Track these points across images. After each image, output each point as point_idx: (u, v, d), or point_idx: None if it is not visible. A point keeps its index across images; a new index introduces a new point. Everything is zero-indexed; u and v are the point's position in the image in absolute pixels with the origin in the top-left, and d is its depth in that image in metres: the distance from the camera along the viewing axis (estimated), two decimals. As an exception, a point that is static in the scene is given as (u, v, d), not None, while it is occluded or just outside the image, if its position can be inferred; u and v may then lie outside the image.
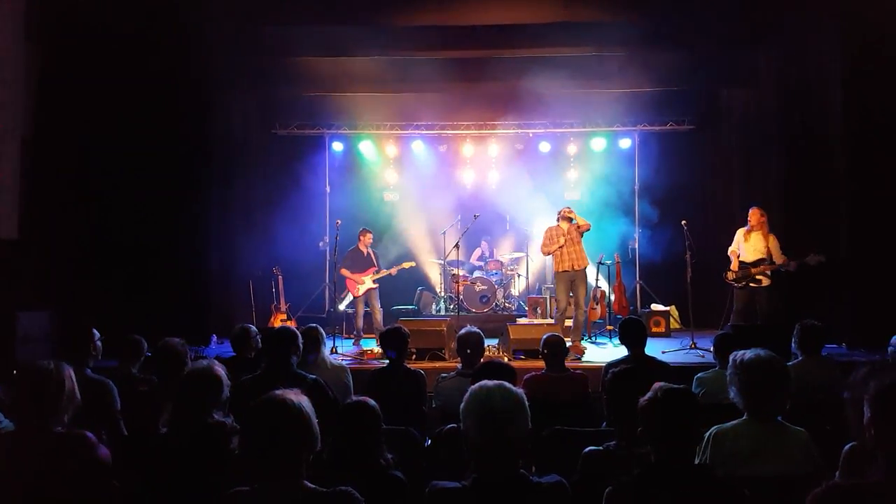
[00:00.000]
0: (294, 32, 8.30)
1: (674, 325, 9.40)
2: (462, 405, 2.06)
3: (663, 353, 7.47)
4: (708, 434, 2.84)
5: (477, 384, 2.07)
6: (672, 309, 9.54)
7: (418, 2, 8.05)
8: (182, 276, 8.03)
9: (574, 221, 7.61)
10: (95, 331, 4.09)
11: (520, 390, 2.06)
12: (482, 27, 8.02)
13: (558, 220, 7.70)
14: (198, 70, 8.06)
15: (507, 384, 2.05)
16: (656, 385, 2.25)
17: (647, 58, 8.75)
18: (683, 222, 8.01)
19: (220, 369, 2.74)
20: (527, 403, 2.03)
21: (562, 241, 7.57)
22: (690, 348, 7.53)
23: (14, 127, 7.13)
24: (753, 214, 7.59)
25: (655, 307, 9.48)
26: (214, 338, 8.31)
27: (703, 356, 7.02)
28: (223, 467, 2.39)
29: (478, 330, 4.47)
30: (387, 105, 10.43)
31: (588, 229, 7.73)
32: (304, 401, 2.01)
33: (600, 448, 2.89)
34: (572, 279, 7.54)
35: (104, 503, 2.52)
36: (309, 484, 1.99)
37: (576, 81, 9.31)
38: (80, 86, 7.43)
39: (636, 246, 10.60)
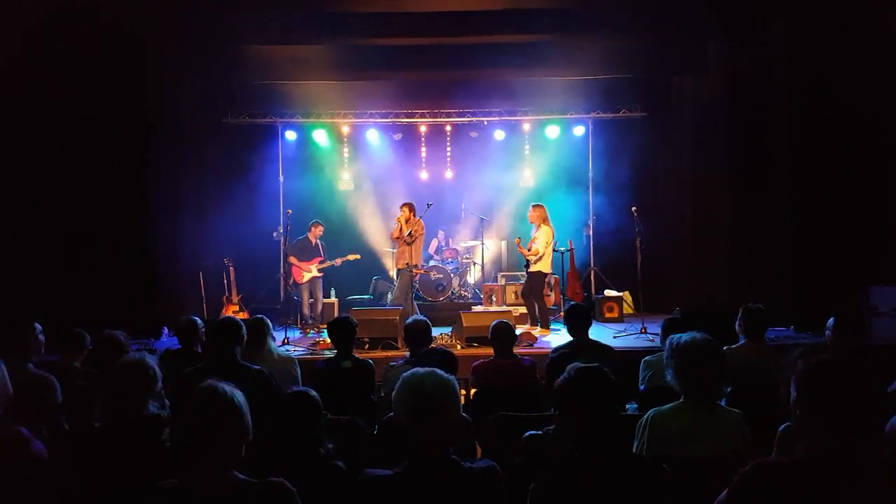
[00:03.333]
0: (243, 18, 8.13)
1: (628, 310, 9.56)
2: (394, 392, 2.06)
3: (615, 337, 7.64)
4: (646, 416, 2.91)
5: (409, 371, 2.07)
6: (626, 294, 9.68)
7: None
8: (130, 268, 7.85)
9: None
10: (37, 325, 3.98)
11: (451, 377, 2.07)
12: (432, 14, 8.00)
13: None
14: (142, 55, 7.85)
15: (438, 371, 2.06)
16: (572, 365, 2.26)
17: (598, 45, 8.80)
18: (633, 209, 8.16)
19: (152, 361, 2.69)
20: (458, 389, 2.05)
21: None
22: (641, 333, 7.68)
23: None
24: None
25: (609, 293, 9.62)
26: (166, 330, 8.16)
27: (652, 340, 7.17)
28: (157, 460, 2.35)
29: (424, 318, 4.48)
30: (340, 93, 10.31)
31: (407, 240, 8.57)
32: (236, 392, 1.98)
33: (540, 432, 2.93)
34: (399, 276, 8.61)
35: (39, 499, 2.47)
36: (239, 475, 1.96)
37: (528, 69, 9.36)
38: (16, 69, 7.15)
39: (590, 233, 10.73)
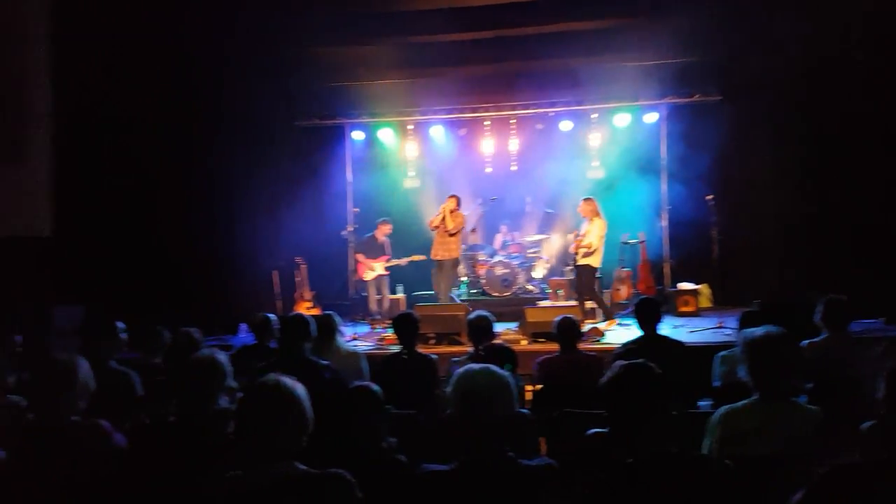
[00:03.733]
0: (307, 22, 8.31)
1: (705, 304, 9.23)
2: (448, 388, 2.06)
3: (690, 332, 7.40)
4: (717, 414, 2.81)
5: (462, 367, 2.07)
6: (703, 287, 9.36)
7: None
8: (210, 268, 8.22)
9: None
10: (120, 323, 4.20)
11: (505, 373, 2.06)
12: (493, 6, 7.94)
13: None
14: (218, 63, 8.17)
15: (491, 367, 2.05)
16: (616, 363, 2.20)
17: (669, 27, 8.50)
18: (709, 197, 7.85)
19: (222, 357, 2.79)
20: (513, 385, 2.03)
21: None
22: (717, 327, 7.41)
23: (44, 128, 7.34)
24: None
25: (683, 286, 9.31)
26: (243, 327, 8.46)
27: (729, 335, 6.90)
28: (225, 452, 2.44)
29: (487, 314, 4.47)
30: (405, 91, 10.39)
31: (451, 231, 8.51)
32: (297, 385, 2.04)
33: (604, 430, 2.87)
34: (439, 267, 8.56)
35: (118, 489, 2.60)
36: (301, 466, 2.02)
37: (596, 56, 9.16)
38: (104, 85, 7.59)
39: (664, 223, 10.41)
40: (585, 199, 8.13)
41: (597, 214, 7.95)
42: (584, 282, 7.97)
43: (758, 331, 2.73)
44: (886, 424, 2.33)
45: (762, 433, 2.63)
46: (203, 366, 2.72)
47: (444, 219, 8.53)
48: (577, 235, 8.15)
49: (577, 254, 7.99)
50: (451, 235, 8.48)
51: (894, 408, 1.78)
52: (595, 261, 7.90)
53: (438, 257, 8.59)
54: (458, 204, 8.69)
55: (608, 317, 7.92)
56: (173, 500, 2.40)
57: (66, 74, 7.51)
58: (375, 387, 2.78)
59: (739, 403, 2.73)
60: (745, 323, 4.50)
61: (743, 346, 2.75)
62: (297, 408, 2.01)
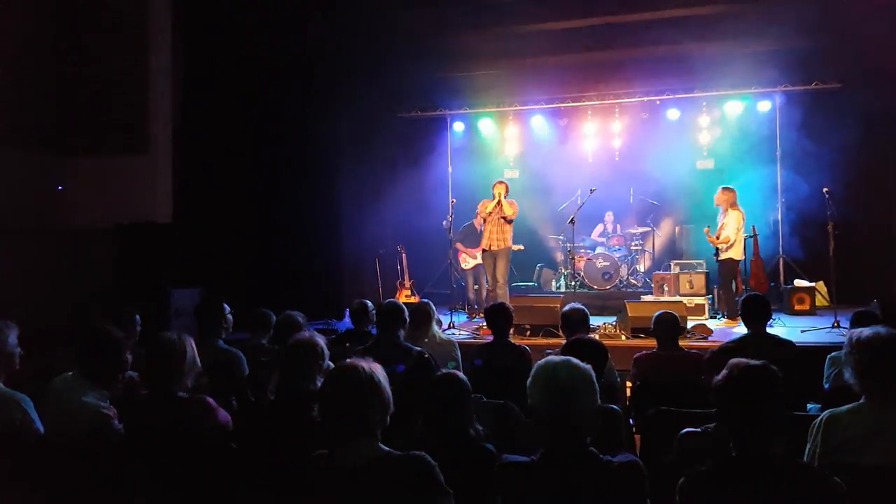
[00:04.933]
0: (411, 13, 8.44)
1: (822, 302, 8.68)
2: (529, 380, 2.07)
3: (803, 332, 6.99)
4: (820, 418, 2.66)
5: (543, 359, 2.07)
6: (819, 285, 8.81)
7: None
8: (320, 255, 8.63)
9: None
10: (226, 305, 4.48)
11: (587, 366, 2.04)
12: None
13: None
14: (329, 57, 8.49)
15: (573, 360, 2.04)
16: (732, 362, 2.11)
17: (784, 12, 8.02)
18: (825, 190, 7.37)
19: (320, 339, 2.92)
20: (594, 379, 2.01)
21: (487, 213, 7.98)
22: (833, 327, 6.95)
23: (167, 117, 7.91)
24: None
25: (799, 283, 8.81)
26: (348, 311, 8.81)
27: (845, 335, 6.44)
28: (316, 432, 2.56)
29: (581, 306, 4.41)
30: (506, 81, 10.35)
31: (510, 217, 8.01)
32: (376, 368, 2.11)
33: (698, 430, 2.79)
34: (494, 257, 7.98)
35: (223, 463, 2.79)
36: (383, 447, 2.09)
37: (706, 42, 8.76)
38: (220, 77, 8.09)
39: (779, 217, 9.84)
40: (723, 189, 7.83)
41: (733, 205, 7.67)
42: (723, 276, 7.75)
43: (865, 330, 2.57)
44: None
45: (871, 440, 2.47)
46: (302, 347, 2.86)
47: (499, 204, 8.03)
48: (707, 231, 7.87)
49: (718, 248, 7.76)
50: (509, 223, 8.07)
51: None
52: (735, 253, 7.65)
53: (494, 247, 8.00)
54: (507, 190, 8.20)
55: (730, 315, 7.59)
56: (270, 476, 2.54)
57: (188, 67, 8.05)
58: (461, 375, 2.82)
59: (844, 408, 2.57)
60: (856, 323, 4.22)
61: (849, 346, 2.60)
62: (375, 390, 2.06)
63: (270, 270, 8.23)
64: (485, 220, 8.16)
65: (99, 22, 7.82)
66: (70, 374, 3.08)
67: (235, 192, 8.31)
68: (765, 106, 9.96)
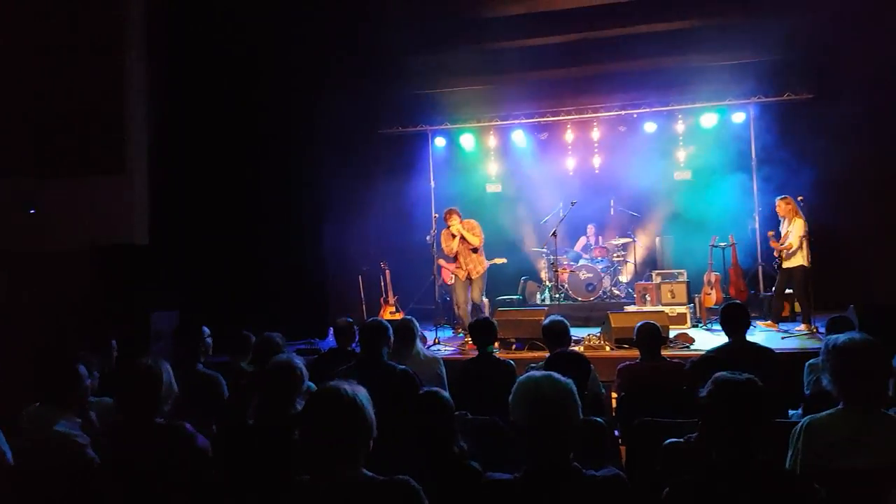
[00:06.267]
0: (392, 30, 8.48)
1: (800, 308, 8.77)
2: (511, 397, 2.06)
3: (783, 338, 7.06)
4: (800, 424, 2.67)
5: (525, 375, 2.06)
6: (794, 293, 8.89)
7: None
8: (302, 273, 8.56)
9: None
10: (206, 328, 4.42)
11: (568, 380, 2.03)
12: (574, 10, 7.85)
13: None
14: (309, 74, 8.48)
15: (554, 375, 2.03)
16: (716, 376, 2.13)
17: (756, 26, 8.18)
18: (800, 198, 7.50)
19: (299, 361, 2.89)
20: (576, 393, 2.00)
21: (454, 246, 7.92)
22: (812, 332, 7.02)
23: (143, 137, 7.85)
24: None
25: (778, 290, 8.88)
26: (332, 331, 8.74)
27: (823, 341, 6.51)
28: (297, 456, 2.52)
29: (562, 318, 4.41)
30: (486, 97, 10.43)
31: (477, 246, 8.00)
32: (359, 391, 2.07)
33: (681, 440, 2.79)
34: (470, 283, 8.05)
35: (202, 489, 2.74)
36: (367, 472, 2.05)
37: (679, 56, 8.92)
38: (198, 96, 8.04)
39: (756, 226, 9.96)
40: (783, 198, 7.92)
41: (797, 213, 7.73)
42: (797, 282, 7.72)
43: (841, 337, 2.59)
44: None
45: (850, 445, 2.49)
46: (280, 370, 2.83)
47: (461, 238, 7.98)
48: (773, 236, 7.97)
49: (779, 256, 7.83)
50: (475, 251, 8.03)
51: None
52: (805, 259, 7.66)
53: (474, 276, 8.02)
54: (459, 216, 8.08)
55: (805, 321, 7.61)
56: (250, 501, 2.49)
57: (163, 88, 8.01)
58: (445, 393, 2.80)
59: (823, 414, 2.59)
60: (832, 329, 4.27)
61: (825, 352, 2.63)
62: (358, 414, 2.01)
63: (251, 291, 8.16)
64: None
65: (74, 42, 7.76)
66: (38, 403, 3.01)
67: (214, 211, 8.25)
68: (739, 117, 10.12)
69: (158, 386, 2.74)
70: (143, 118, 7.80)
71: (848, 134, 9.02)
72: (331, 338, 8.48)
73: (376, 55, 8.93)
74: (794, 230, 7.63)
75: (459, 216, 8.06)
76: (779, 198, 7.91)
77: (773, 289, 8.09)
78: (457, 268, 8.22)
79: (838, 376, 2.56)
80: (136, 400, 2.73)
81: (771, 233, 7.95)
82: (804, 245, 7.57)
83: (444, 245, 8.14)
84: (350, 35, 8.46)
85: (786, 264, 7.73)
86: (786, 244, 7.67)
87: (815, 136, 9.16)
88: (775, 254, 7.85)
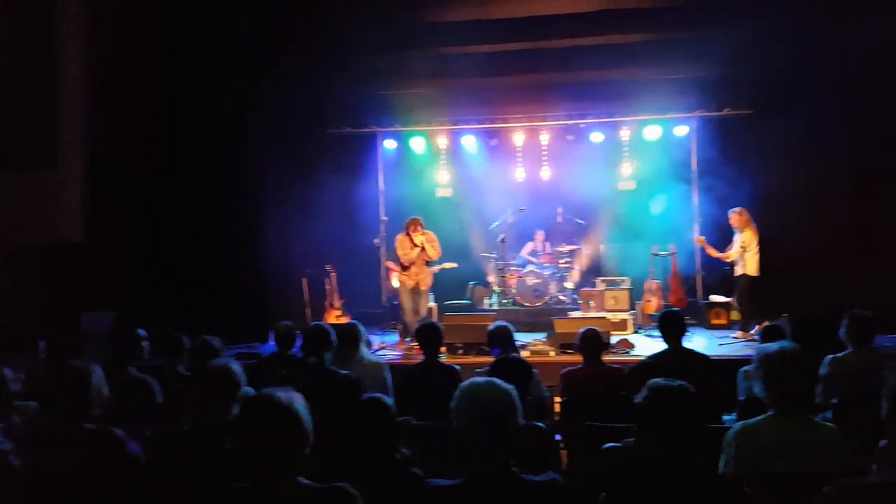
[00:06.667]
0: (342, 30, 8.40)
1: (737, 316, 9.04)
2: (453, 403, 2.06)
3: (720, 345, 7.29)
4: (733, 430, 2.75)
5: (467, 381, 2.06)
6: (734, 300, 9.19)
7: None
8: (244, 275, 8.34)
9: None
10: (141, 330, 4.28)
11: (510, 386, 2.05)
12: (526, 19, 7.93)
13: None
14: (251, 70, 8.29)
15: (495, 380, 2.04)
16: (650, 383, 2.18)
17: (697, 42, 8.44)
18: (738, 210, 7.79)
19: (236, 366, 2.82)
20: (517, 399, 2.01)
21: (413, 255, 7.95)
22: (747, 340, 7.26)
23: (76, 131, 7.53)
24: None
25: (715, 298, 9.17)
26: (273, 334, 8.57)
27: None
28: (232, 464, 2.46)
29: (506, 323, 4.45)
30: (437, 101, 10.41)
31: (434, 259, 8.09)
32: (295, 398, 2.03)
33: (619, 444, 2.84)
34: (419, 294, 8.10)
35: (133, 497, 2.64)
36: (304, 480, 2.02)
37: (626, 69, 9.12)
38: (134, 91, 7.75)
39: (696, 236, 10.25)
40: (736, 210, 8.19)
41: (749, 224, 8.03)
42: (742, 289, 8.07)
43: (772, 346, 2.70)
44: (892, 443, 2.25)
45: (779, 451, 2.58)
46: (216, 375, 2.76)
47: (423, 250, 8.08)
48: (705, 241, 8.32)
49: (732, 264, 8.12)
50: (429, 265, 8.12)
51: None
52: (753, 269, 7.96)
53: (422, 287, 8.15)
54: (422, 225, 8.19)
55: (744, 329, 7.87)
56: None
57: (98, 82, 7.71)
58: (387, 399, 2.78)
59: (754, 420, 2.68)
60: (765, 337, 4.42)
61: (757, 361, 2.72)
62: (292, 421, 1.98)
63: (191, 292, 7.93)
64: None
65: (3, 35, 7.41)
66: None
67: (153, 209, 7.98)
68: (682, 130, 10.38)
69: (87, 389, 2.64)
70: (78, 112, 7.48)
71: (783, 148, 9.41)
72: (272, 342, 8.34)
73: (325, 54, 8.82)
74: (742, 240, 7.91)
75: (423, 227, 8.08)
76: (731, 210, 8.16)
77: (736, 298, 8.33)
78: (407, 276, 8.19)
79: (769, 384, 2.65)
80: (64, 404, 2.62)
81: (702, 238, 8.12)
82: (753, 255, 7.84)
83: (401, 252, 8.07)
84: (296, 31, 8.32)
85: (736, 272, 8.01)
86: (731, 252, 7.95)
87: (754, 151, 9.52)
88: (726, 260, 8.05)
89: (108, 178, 7.71)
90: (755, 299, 7.91)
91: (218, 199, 8.30)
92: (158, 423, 3.64)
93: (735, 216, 8.10)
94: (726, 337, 7.82)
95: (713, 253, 8.01)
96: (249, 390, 3.04)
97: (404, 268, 8.22)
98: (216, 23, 7.68)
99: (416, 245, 7.97)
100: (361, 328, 4.87)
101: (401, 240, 8.11)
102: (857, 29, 7.70)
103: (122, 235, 7.73)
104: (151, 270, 7.79)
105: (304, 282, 9.52)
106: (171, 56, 7.72)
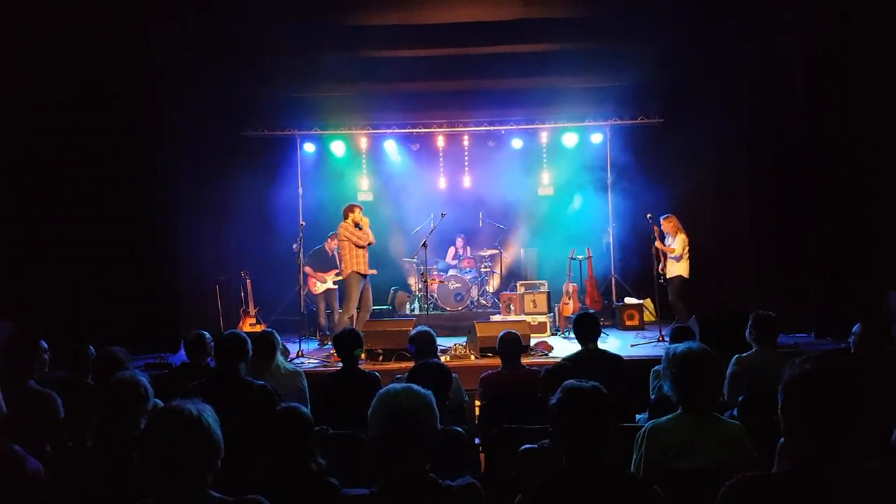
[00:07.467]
0: (261, 31, 8.20)
1: (649, 318, 9.42)
2: (370, 410, 2.04)
3: (633, 346, 7.54)
4: (644, 429, 2.85)
5: (384, 388, 2.05)
6: (647, 302, 9.56)
7: (383, 1, 7.97)
8: (153, 282, 7.95)
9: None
10: (43, 342, 4.03)
11: (427, 392, 2.05)
12: (447, 25, 7.98)
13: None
14: (161, 70, 7.97)
15: (413, 386, 2.03)
16: (565, 385, 2.23)
17: (614, 53, 8.75)
18: (648, 216, 8.11)
19: (143, 378, 2.70)
20: (434, 405, 2.02)
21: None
22: (658, 341, 7.56)
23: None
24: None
25: (629, 300, 9.51)
26: (183, 343, 8.24)
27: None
28: (139, 479, 2.35)
29: (427, 329, 4.45)
30: (358, 104, 10.34)
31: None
32: (204, 411, 1.96)
33: (535, 446, 2.89)
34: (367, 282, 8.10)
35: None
36: (215, 494, 1.95)
37: (545, 77, 9.34)
38: (36, 86, 7.31)
39: (610, 240, 10.62)
40: (666, 217, 8.39)
41: (679, 229, 8.26)
42: (674, 290, 8.24)
43: (680, 346, 2.79)
44: (786, 436, 2.38)
45: (687, 448, 2.68)
46: (122, 388, 2.63)
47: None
48: (658, 251, 8.34)
49: (663, 270, 8.27)
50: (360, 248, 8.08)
51: (789, 418, 1.81)
52: (684, 271, 8.18)
53: (370, 272, 8.24)
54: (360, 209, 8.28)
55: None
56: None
57: (3, 77, 7.23)
58: (303, 408, 2.72)
59: (664, 418, 2.78)
60: (674, 338, 4.60)
61: (666, 360, 2.81)
62: (201, 434, 1.92)
63: (96, 299, 7.52)
64: (359, 247, 7.99)
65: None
66: None
67: (55, 212, 7.52)
68: (597, 138, 10.74)
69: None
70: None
71: (692, 156, 9.87)
72: (182, 351, 8.02)
73: (241, 53, 8.59)
74: (676, 244, 8.23)
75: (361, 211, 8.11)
76: (662, 217, 8.45)
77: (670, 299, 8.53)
78: (336, 273, 8.11)
79: (677, 383, 2.76)
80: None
81: (656, 247, 8.34)
82: (684, 257, 8.18)
83: (354, 236, 7.94)
84: (216, 32, 8.07)
85: (668, 274, 8.26)
86: (672, 248, 8.22)
87: (665, 158, 9.95)
88: (658, 269, 8.31)
89: (4, 178, 7.23)
90: (687, 300, 8.20)
91: (128, 202, 7.89)
92: (59, 438, 3.45)
93: (665, 223, 8.39)
94: (640, 337, 8.09)
95: (660, 246, 8.26)
96: (158, 403, 2.92)
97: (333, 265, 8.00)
98: (126, 20, 7.33)
99: (358, 226, 7.98)
100: (277, 336, 4.75)
101: (347, 227, 8.01)
102: (755, 42, 8.18)
103: (22, 240, 7.28)
104: (54, 277, 7.35)
105: (218, 288, 9.22)
106: (81, 56, 7.31)
